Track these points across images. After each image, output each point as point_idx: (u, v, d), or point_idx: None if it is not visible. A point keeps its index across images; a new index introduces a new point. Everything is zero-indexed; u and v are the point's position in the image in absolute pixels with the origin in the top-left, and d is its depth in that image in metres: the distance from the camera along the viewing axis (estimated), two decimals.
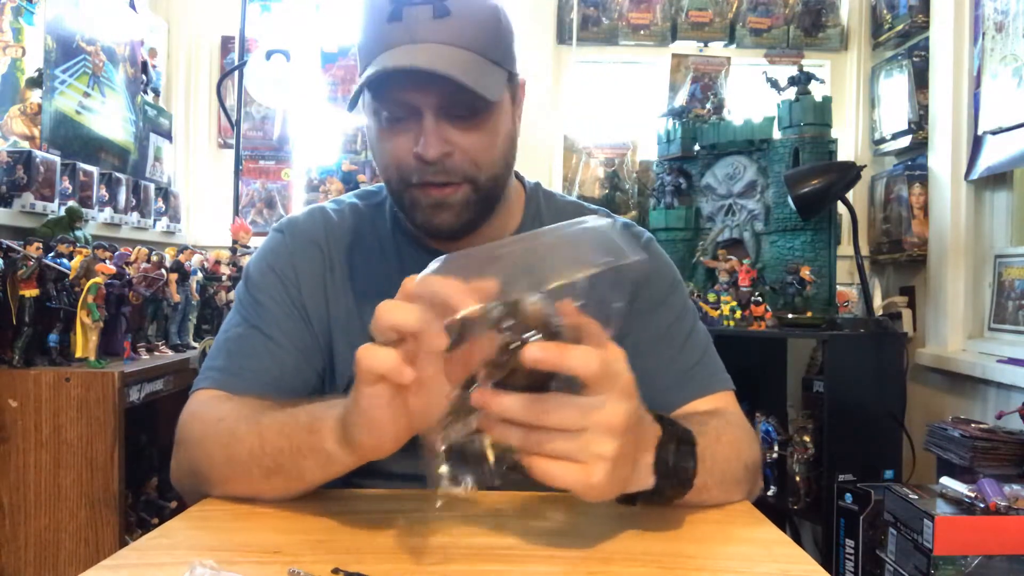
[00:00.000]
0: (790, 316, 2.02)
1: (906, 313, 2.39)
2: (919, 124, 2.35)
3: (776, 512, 2.03)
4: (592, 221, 0.61)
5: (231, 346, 0.90)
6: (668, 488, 0.66)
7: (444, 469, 0.59)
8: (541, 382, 0.58)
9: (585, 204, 1.06)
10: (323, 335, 0.92)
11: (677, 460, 0.66)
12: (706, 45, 2.70)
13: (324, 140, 2.72)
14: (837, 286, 2.16)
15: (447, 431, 0.59)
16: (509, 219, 0.97)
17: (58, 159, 1.76)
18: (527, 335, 0.56)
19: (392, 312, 0.60)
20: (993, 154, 2.02)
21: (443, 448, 0.59)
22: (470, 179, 0.86)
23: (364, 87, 0.81)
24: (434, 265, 0.59)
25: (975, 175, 2.11)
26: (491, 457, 0.60)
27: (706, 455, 0.69)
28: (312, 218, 0.98)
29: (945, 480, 1.45)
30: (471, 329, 0.57)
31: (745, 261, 2.17)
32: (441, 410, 0.60)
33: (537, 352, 0.55)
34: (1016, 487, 1.37)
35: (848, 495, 1.80)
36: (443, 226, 0.87)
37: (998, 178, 2.13)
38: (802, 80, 2.17)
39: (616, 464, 0.58)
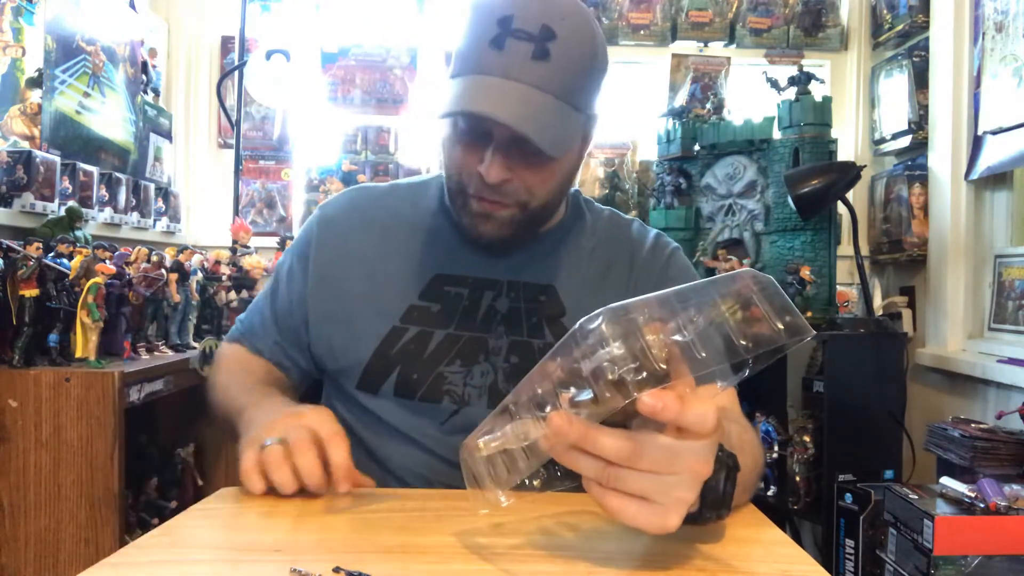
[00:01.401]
0: None
1: (906, 313, 2.39)
2: (919, 124, 2.35)
3: (776, 512, 2.03)
4: (753, 284, 0.56)
5: (253, 309, 1.09)
6: (713, 516, 0.63)
7: (487, 479, 0.58)
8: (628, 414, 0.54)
9: (621, 214, 1.11)
10: (342, 305, 0.99)
11: (724, 487, 0.62)
12: (706, 45, 2.70)
13: (324, 140, 2.72)
14: (837, 286, 2.16)
15: (488, 440, 0.58)
16: (553, 218, 1.03)
17: (58, 159, 1.76)
18: (637, 376, 0.52)
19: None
20: (993, 154, 2.02)
21: (484, 455, 0.58)
22: (521, 203, 0.91)
23: (454, 114, 0.86)
24: (598, 320, 0.54)
25: (975, 175, 2.11)
26: (531, 471, 0.58)
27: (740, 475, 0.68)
28: (343, 202, 1.07)
29: (945, 480, 1.45)
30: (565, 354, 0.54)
31: (745, 261, 2.17)
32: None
33: (655, 403, 0.51)
34: (1016, 487, 1.37)
35: (848, 495, 1.80)
36: (484, 235, 0.94)
37: (998, 178, 2.13)
38: (802, 80, 2.17)
39: (690, 505, 0.57)
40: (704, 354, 0.53)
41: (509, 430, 0.57)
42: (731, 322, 0.54)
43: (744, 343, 0.54)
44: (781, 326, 0.54)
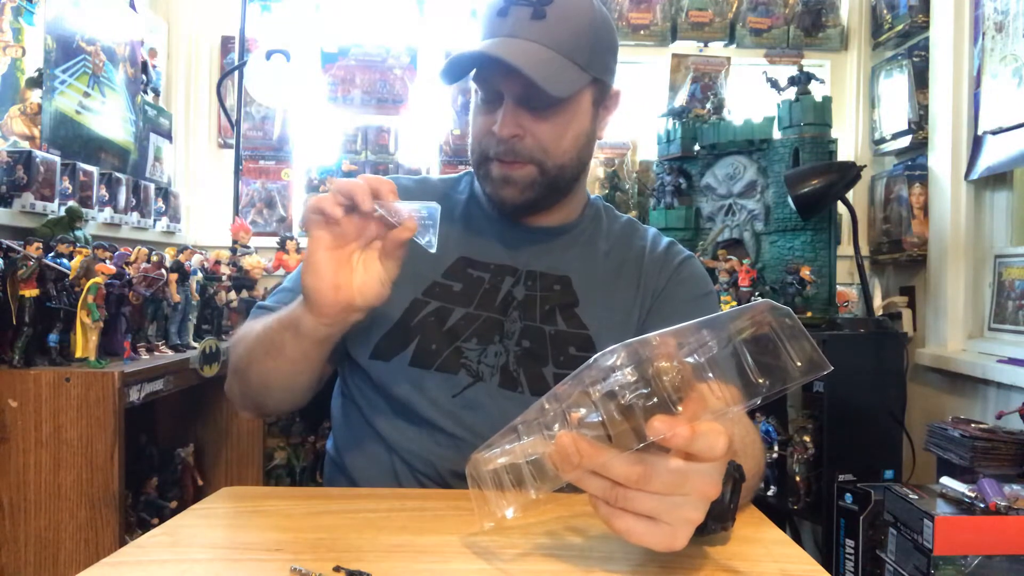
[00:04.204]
0: None
1: (906, 313, 2.39)
2: (919, 124, 2.35)
3: (776, 512, 2.03)
4: (771, 317, 0.55)
5: (280, 289, 1.07)
6: (718, 527, 0.63)
7: (492, 493, 0.58)
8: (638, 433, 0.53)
9: (637, 222, 1.16)
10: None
11: (730, 500, 0.62)
12: (706, 45, 2.70)
13: (324, 140, 2.72)
14: (837, 286, 2.16)
15: (495, 454, 0.58)
16: (571, 213, 1.10)
17: (58, 159, 1.76)
18: (648, 402, 0.52)
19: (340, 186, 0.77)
20: (993, 154, 2.03)
21: (490, 469, 0.58)
22: (537, 161, 0.97)
23: (459, 64, 0.93)
24: (614, 356, 0.54)
25: (975, 175, 2.11)
26: (539, 492, 0.58)
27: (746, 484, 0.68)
28: None
29: (945, 480, 1.45)
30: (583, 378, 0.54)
31: (745, 261, 2.17)
32: (374, 289, 0.78)
33: (666, 430, 0.51)
34: (1016, 487, 1.37)
35: (848, 495, 1.80)
36: (507, 198, 1.00)
37: (998, 178, 2.13)
38: (802, 80, 2.17)
39: (697, 524, 0.57)
40: (711, 380, 0.53)
41: (517, 447, 0.57)
42: (748, 358, 0.53)
43: (761, 380, 0.53)
44: (799, 363, 0.53)
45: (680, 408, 0.53)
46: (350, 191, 0.77)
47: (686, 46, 2.71)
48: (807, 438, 1.98)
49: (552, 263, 1.04)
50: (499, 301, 1.01)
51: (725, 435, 0.53)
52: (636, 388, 0.52)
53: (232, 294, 1.90)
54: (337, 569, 0.58)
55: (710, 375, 0.53)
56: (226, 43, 2.67)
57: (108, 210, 2.01)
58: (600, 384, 0.53)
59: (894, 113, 2.48)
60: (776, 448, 2.03)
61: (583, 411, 0.54)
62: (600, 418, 0.53)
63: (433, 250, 0.76)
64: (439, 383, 0.96)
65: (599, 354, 0.55)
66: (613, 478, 0.54)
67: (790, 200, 2.02)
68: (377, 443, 0.99)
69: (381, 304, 0.98)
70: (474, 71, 0.96)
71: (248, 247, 2.25)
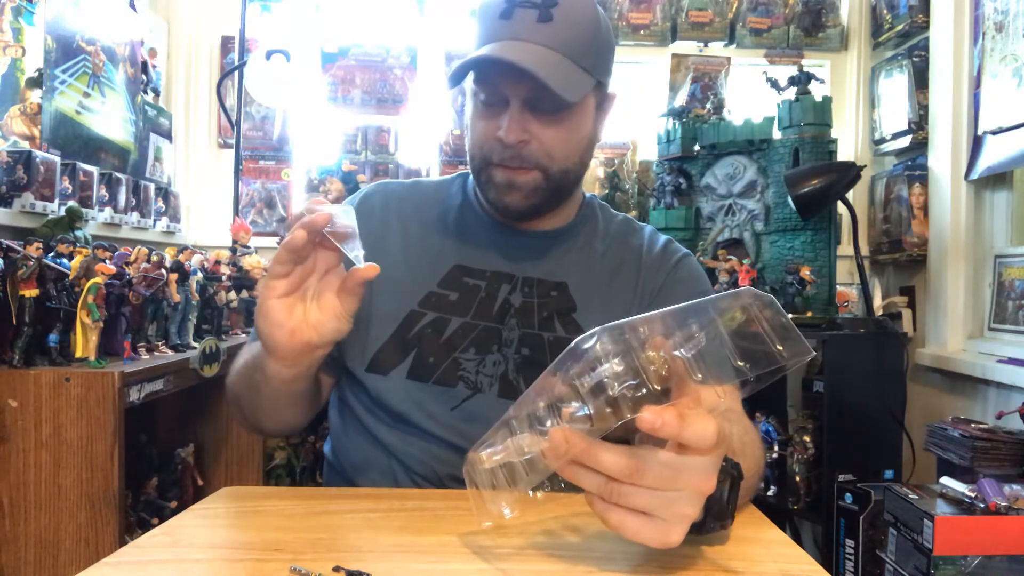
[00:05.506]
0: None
1: (906, 313, 2.39)
2: (919, 124, 2.35)
3: (776, 512, 2.03)
4: (754, 303, 0.55)
5: None
6: (717, 525, 0.62)
7: (490, 492, 0.58)
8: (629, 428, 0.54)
9: (634, 220, 1.14)
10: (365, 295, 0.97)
11: (728, 498, 0.62)
12: (706, 45, 2.71)
13: (324, 140, 2.72)
14: (837, 286, 2.16)
15: (491, 452, 0.58)
16: (568, 215, 1.08)
17: (58, 159, 1.76)
18: (639, 393, 0.52)
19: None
20: (993, 154, 2.03)
21: (486, 468, 0.58)
22: (542, 167, 0.96)
23: (468, 69, 0.92)
24: (593, 339, 0.54)
25: (975, 175, 2.11)
26: (532, 484, 0.58)
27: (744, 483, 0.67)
28: (370, 194, 1.10)
29: (945, 480, 1.45)
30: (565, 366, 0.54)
31: (745, 261, 2.17)
32: (329, 330, 0.77)
33: (655, 419, 0.51)
34: (1016, 487, 1.37)
35: (848, 495, 1.80)
36: (511, 204, 0.98)
37: (998, 178, 2.13)
38: (802, 80, 2.17)
39: (692, 520, 0.57)
40: (700, 375, 0.54)
41: (511, 444, 0.57)
42: (730, 342, 0.54)
43: (743, 364, 0.54)
44: (780, 347, 0.54)
45: (671, 397, 0.53)
46: (293, 245, 0.74)
47: (686, 46, 2.71)
48: (807, 438, 1.98)
49: (549, 268, 1.03)
50: (496, 309, 0.99)
51: (714, 422, 0.53)
52: (624, 379, 0.53)
53: (232, 294, 1.89)
54: (337, 569, 0.58)
55: (697, 368, 0.54)
56: (226, 43, 2.67)
57: (108, 210, 2.01)
58: (589, 376, 0.53)
59: (894, 113, 2.48)
60: (776, 448, 2.03)
61: (575, 405, 0.55)
62: (589, 411, 0.54)
63: (361, 264, 0.75)
64: (437, 396, 0.95)
65: (578, 339, 0.55)
66: (606, 472, 0.54)
67: (790, 200, 2.02)
68: (375, 449, 0.98)
69: (377, 316, 0.98)
70: (473, 73, 0.94)
71: (248, 247, 2.25)
